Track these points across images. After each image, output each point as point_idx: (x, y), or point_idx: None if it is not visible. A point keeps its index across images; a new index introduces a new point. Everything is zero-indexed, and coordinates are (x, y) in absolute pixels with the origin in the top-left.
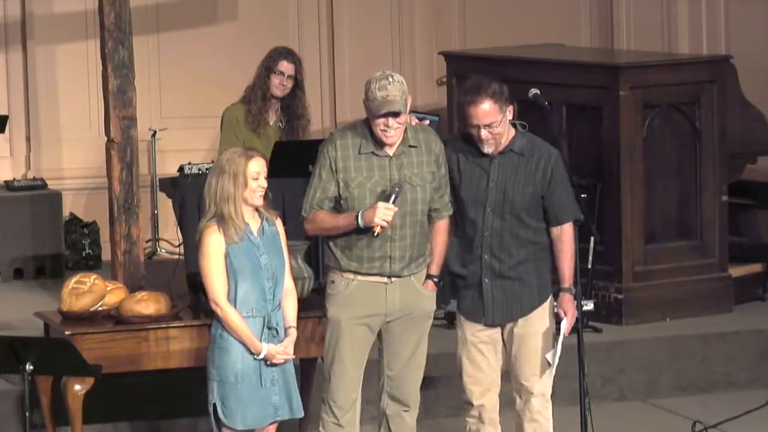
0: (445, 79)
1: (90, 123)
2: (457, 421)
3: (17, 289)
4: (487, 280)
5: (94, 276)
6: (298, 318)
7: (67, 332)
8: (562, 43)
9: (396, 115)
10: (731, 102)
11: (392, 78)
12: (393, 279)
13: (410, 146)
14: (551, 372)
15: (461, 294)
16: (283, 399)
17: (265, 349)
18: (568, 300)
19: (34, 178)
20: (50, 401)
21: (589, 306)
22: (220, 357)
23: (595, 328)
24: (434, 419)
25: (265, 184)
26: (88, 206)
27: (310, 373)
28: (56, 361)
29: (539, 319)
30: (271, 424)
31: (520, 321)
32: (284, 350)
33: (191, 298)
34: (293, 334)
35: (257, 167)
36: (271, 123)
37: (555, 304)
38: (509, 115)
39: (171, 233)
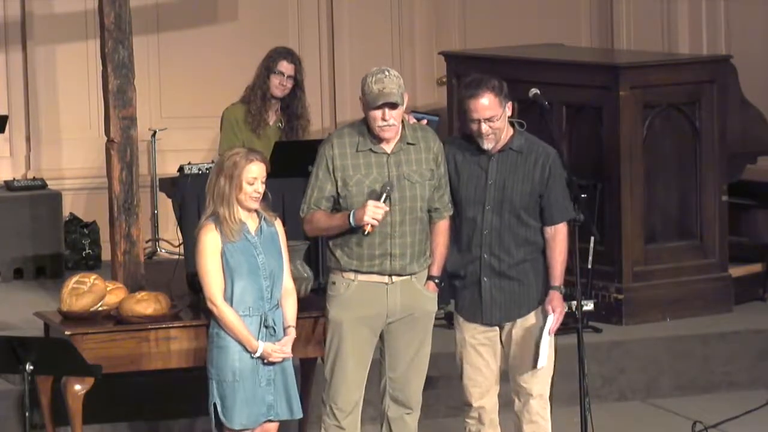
0: (445, 79)
1: (90, 123)
2: (457, 421)
3: (17, 289)
4: (485, 279)
5: (94, 276)
6: (297, 318)
7: (67, 332)
8: (562, 43)
9: (393, 106)
10: (731, 102)
11: (388, 72)
12: (394, 278)
13: (408, 143)
14: (549, 372)
15: (459, 294)
16: (282, 400)
17: (261, 347)
18: (557, 297)
19: (34, 178)
20: (50, 401)
21: (589, 306)
22: (218, 356)
23: (595, 328)
24: (434, 419)
25: (261, 189)
26: (88, 206)
27: (309, 374)
28: (56, 361)
29: (537, 321)
30: (271, 423)
31: (519, 322)
32: (281, 348)
33: (191, 298)
34: (292, 333)
35: (255, 172)
36: (270, 123)
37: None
38: (508, 112)
39: (171, 233)
